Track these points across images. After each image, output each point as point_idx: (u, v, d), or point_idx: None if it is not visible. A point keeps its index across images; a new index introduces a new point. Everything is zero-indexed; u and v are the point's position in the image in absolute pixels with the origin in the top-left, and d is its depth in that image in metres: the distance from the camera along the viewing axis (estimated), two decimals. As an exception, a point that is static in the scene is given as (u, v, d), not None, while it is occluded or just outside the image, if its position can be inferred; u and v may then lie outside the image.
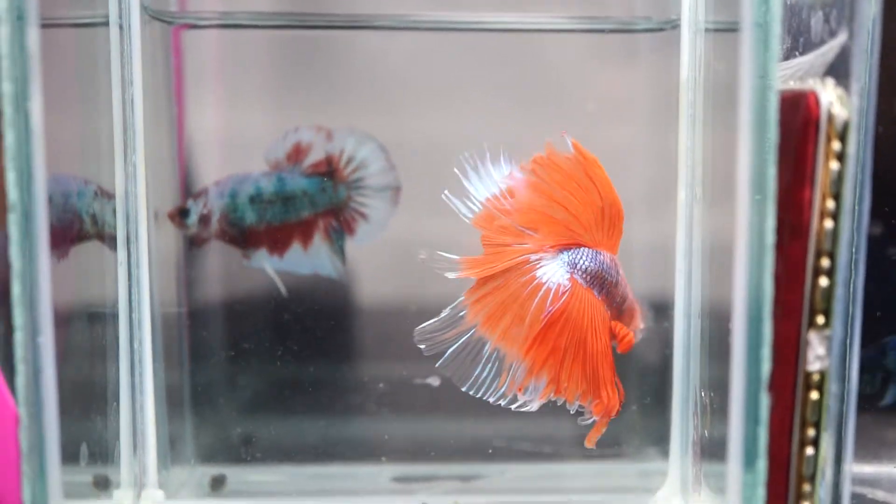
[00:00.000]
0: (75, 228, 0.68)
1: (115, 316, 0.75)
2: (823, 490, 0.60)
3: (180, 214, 0.78)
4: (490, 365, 0.65)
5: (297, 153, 0.77)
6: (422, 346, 0.65)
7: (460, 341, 0.65)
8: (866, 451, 0.76)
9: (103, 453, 0.74)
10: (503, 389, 0.65)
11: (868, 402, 0.73)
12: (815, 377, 0.59)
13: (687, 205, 0.75)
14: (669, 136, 0.76)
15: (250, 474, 0.84)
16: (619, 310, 0.67)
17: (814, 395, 0.59)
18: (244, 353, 0.84)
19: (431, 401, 0.85)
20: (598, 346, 0.65)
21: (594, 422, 0.67)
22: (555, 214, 0.65)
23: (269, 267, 0.78)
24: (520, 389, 0.65)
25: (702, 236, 0.73)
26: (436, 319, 0.66)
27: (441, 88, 0.83)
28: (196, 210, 0.78)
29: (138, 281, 0.76)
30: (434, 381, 0.82)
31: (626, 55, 0.82)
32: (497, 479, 0.83)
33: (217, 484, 0.83)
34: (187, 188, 0.80)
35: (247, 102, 0.82)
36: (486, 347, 0.65)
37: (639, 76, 0.82)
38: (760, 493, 0.58)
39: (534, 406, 0.65)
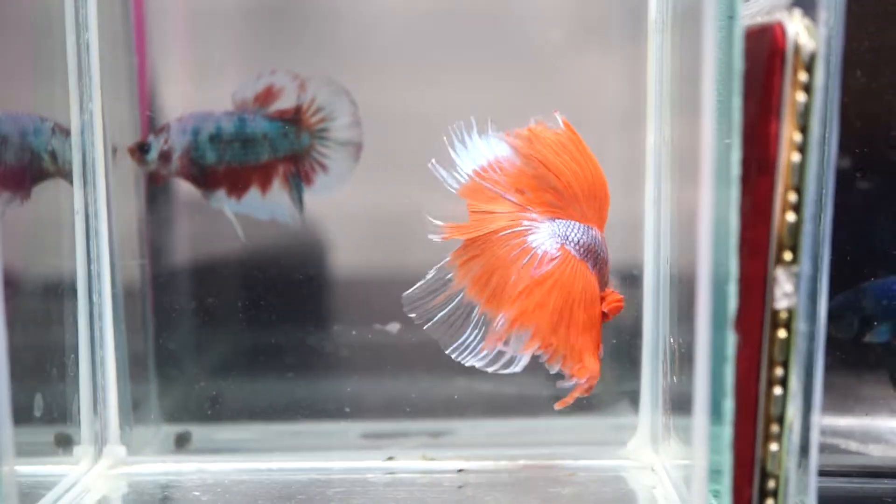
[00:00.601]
0: (35, 167, 0.67)
1: (73, 269, 0.74)
2: (792, 429, 0.59)
3: (140, 149, 0.76)
4: (476, 330, 0.64)
5: (266, 95, 0.76)
6: (411, 315, 0.64)
7: (448, 307, 0.65)
8: (840, 404, 0.75)
9: (62, 411, 0.73)
10: (487, 346, 0.64)
11: (845, 347, 0.72)
12: (783, 315, 0.58)
13: (656, 148, 0.74)
14: (638, 70, 0.75)
15: (217, 432, 0.82)
16: (604, 286, 0.67)
17: (781, 333, 0.58)
18: (210, 308, 0.83)
19: (401, 358, 0.84)
20: (587, 315, 0.65)
21: (572, 387, 0.65)
22: (546, 183, 0.64)
23: (229, 210, 0.77)
24: (500, 339, 0.63)
25: (671, 179, 0.72)
26: (422, 282, 0.65)
27: (422, 57, 0.82)
28: (157, 146, 0.76)
29: (97, 232, 0.75)
30: (393, 328, 0.81)
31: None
32: (468, 434, 0.82)
33: (182, 441, 0.82)
34: (150, 126, 0.78)
35: (211, 44, 0.80)
36: (474, 312, 0.64)
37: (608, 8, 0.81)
38: (727, 433, 0.57)
39: (518, 366, 0.64)
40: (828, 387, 0.60)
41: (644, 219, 0.76)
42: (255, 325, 0.84)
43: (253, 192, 0.76)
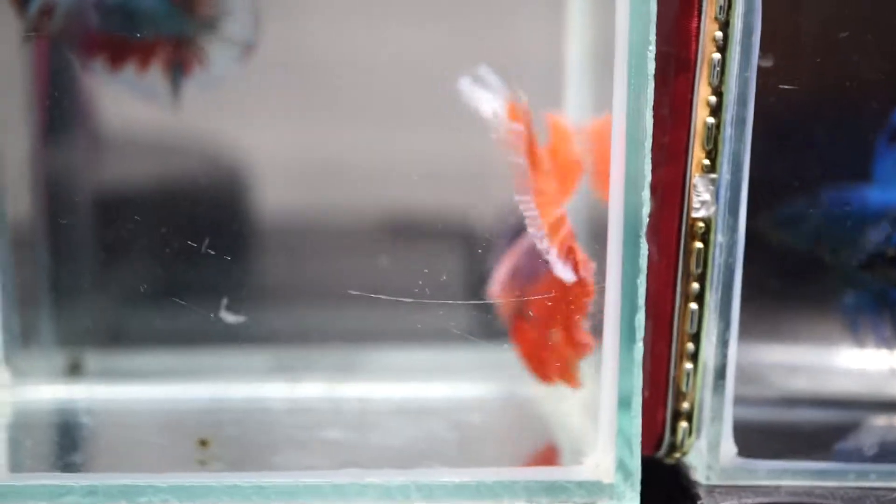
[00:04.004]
0: None
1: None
2: (708, 348, 0.56)
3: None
4: None
5: None
6: None
7: None
8: (762, 331, 0.72)
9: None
10: None
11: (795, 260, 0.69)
12: (700, 225, 0.55)
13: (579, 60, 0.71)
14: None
15: (116, 359, 0.78)
16: None
17: (698, 244, 0.55)
18: (113, 233, 0.78)
19: (311, 289, 0.80)
20: None
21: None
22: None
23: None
24: None
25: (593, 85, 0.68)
26: None
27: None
28: None
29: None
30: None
31: None
32: (375, 363, 0.78)
33: (75, 368, 0.77)
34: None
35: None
36: None
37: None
38: (639, 349, 0.54)
39: None
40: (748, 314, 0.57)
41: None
42: (162, 252, 0.79)
43: (131, 68, 0.71)
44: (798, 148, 0.66)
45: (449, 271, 0.81)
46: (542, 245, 0.55)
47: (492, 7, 0.78)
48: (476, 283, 0.79)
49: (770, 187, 0.66)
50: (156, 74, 0.72)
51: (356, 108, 0.80)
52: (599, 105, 0.68)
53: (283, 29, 0.75)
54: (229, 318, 0.70)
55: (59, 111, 0.76)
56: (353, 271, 0.82)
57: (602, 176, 0.56)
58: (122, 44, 0.71)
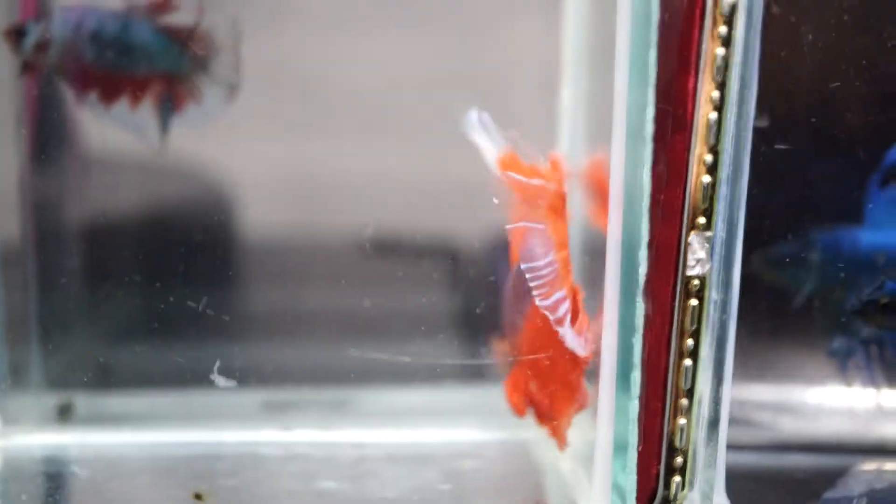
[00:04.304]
0: None
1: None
2: (702, 404, 0.56)
3: (16, 33, 0.69)
4: None
5: (162, 5, 0.70)
6: None
7: None
8: (752, 372, 0.73)
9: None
10: None
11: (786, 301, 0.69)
12: (695, 283, 0.55)
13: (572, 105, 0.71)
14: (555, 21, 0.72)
15: (106, 402, 0.77)
16: None
17: (693, 302, 0.55)
18: (102, 269, 0.78)
19: (302, 325, 0.80)
20: None
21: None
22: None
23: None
24: None
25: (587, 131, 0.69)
26: None
27: (341, 13, 0.78)
28: (35, 33, 0.69)
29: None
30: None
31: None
32: (371, 404, 0.78)
33: (65, 411, 0.76)
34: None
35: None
36: None
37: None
38: (634, 407, 0.54)
39: None
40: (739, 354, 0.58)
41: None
42: (151, 287, 0.79)
43: (123, 103, 0.71)
44: (791, 192, 0.67)
45: (441, 303, 0.82)
46: (557, 315, 0.55)
47: (482, 23, 0.77)
48: (469, 317, 0.80)
49: (763, 231, 0.67)
50: (146, 110, 0.72)
51: (345, 124, 0.80)
52: (593, 147, 0.68)
53: (267, 45, 0.75)
54: (221, 381, 0.70)
55: (48, 144, 0.76)
56: (343, 305, 0.81)
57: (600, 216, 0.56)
58: (116, 79, 0.71)
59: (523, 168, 0.59)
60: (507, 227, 0.63)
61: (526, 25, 0.77)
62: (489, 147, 0.60)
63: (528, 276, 0.56)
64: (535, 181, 0.57)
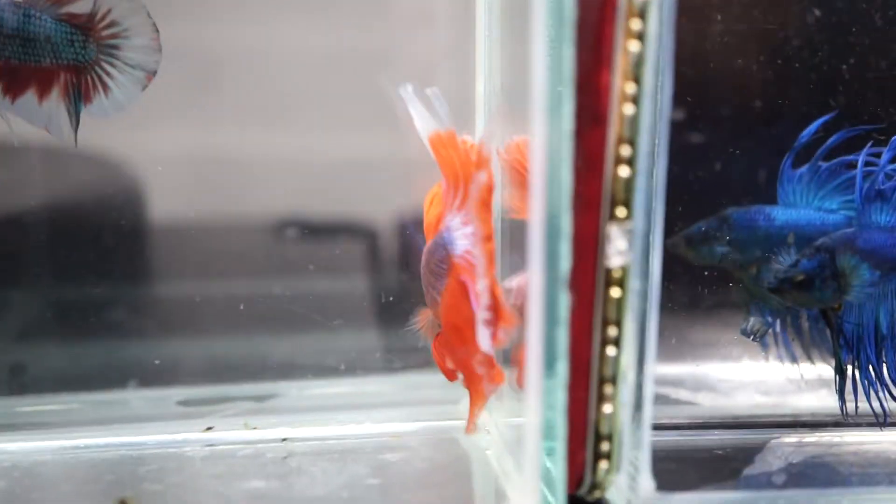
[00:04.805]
0: None
1: None
2: (626, 391, 0.57)
3: None
4: None
5: None
6: None
7: None
8: (670, 350, 0.74)
9: None
10: None
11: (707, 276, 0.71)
12: (617, 273, 0.56)
13: (486, 97, 0.71)
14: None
15: (17, 406, 0.76)
16: None
17: (615, 292, 0.56)
18: (4, 262, 0.76)
19: (222, 319, 0.79)
20: None
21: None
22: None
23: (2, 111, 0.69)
24: None
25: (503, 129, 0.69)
26: None
27: None
28: None
29: None
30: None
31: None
32: (294, 397, 0.77)
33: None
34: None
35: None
36: None
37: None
38: (561, 396, 0.55)
39: None
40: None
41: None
42: (60, 281, 0.77)
43: (30, 96, 0.69)
44: (705, 174, 0.68)
45: (357, 285, 0.81)
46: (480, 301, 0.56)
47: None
48: (388, 300, 0.80)
49: (678, 215, 0.68)
50: (55, 102, 0.69)
51: (254, 107, 0.78)
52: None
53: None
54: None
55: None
56: (258, 293, 0.81)
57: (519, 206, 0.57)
58: (19, 71, 0.68)
59: (458, 150, 0.59)
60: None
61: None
62: (426, 121, 0.60)
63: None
64: (471, 169, 0.57)
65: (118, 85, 0.70)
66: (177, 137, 0.78)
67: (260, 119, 0.79)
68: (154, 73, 0.70)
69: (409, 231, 0.80)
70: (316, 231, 0.81)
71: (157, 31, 0.69)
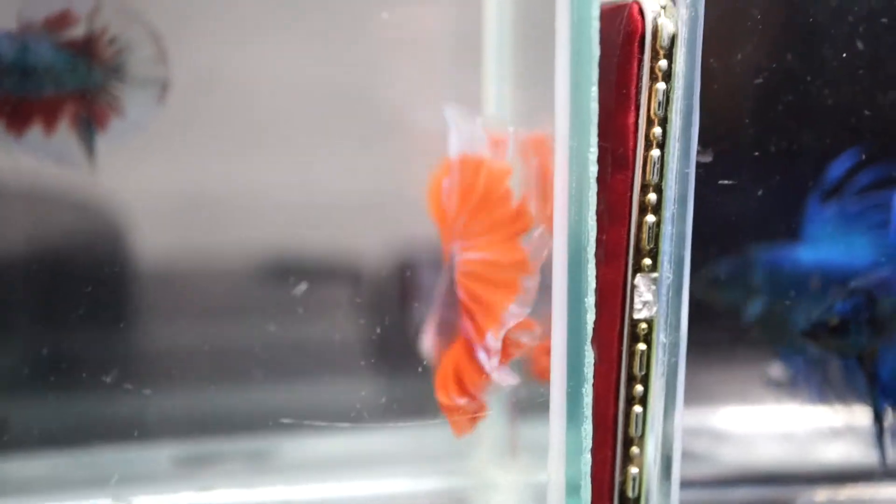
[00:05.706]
0: None
1: None
2: (653, 451, 0.54)
3: None
4: None
5: (60, 20, 0.64)
6: None
7: None
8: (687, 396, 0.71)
9: None
10: None
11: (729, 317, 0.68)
12: (642, 326, 0.52)
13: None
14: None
15: (3, 465, 0.72)
16: None
17: (641, 346, 0.53)
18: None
19: (214, 370, 0.76)
20: None
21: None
22: None
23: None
24: None
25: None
26: None
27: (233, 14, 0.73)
28: None
29: None
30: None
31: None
32: (292, 454, 0.74)
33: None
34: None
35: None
36: None
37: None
38: (586, 459, 0.52)
39: None
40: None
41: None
42: (45, 330, 0.73)
43: (36, 130, 0.65)
44: (730, 214, 0.66)
45: (355, 328, 0.78)
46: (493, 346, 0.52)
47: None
48: (384, 343, 0.76)
49: (703, 256, 0.65)
50: (65, 133, 0.66)
51: (239, 141, 0.76)
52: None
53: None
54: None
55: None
56: (249, 338, 0.78)
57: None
58: (21, 105, 0.65)
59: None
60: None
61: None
62: (460, 142, 0.56)
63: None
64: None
65: (132, 104, 0.66)
66: (161, 173, 0.75)
67: (245, 153, 0.76)
68: (166, 82, 0.66)
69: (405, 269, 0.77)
70: (304, 269, 0.78)
71: (159, 37, 0.65)
